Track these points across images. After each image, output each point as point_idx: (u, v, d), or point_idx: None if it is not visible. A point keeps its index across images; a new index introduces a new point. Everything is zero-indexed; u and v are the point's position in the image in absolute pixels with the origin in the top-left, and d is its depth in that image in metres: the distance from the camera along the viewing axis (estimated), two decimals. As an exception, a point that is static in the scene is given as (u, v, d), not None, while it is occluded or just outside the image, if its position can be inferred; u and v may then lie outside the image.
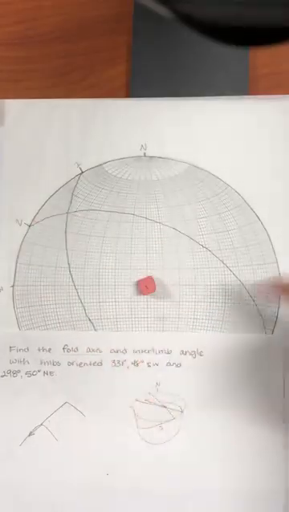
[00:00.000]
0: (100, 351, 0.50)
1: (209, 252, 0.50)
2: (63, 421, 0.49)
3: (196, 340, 0.49)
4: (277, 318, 0.49)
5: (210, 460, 0.48)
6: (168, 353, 0.49)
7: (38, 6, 0.55)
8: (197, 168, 0.51)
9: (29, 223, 0.51)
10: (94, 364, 0.49)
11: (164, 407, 0.49)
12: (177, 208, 0.51)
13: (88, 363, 0.49)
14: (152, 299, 0.50)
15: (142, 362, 0.49)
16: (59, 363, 0.50)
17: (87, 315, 0.50)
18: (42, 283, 0.51)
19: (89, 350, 0.50)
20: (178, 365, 0.49)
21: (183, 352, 0.49)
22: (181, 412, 0.49)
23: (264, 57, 0.53)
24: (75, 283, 0.50)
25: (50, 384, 0.49)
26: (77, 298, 0.50)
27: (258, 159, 0.51)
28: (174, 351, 0.49)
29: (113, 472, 0.48)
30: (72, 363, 0.50)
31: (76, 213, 0.51)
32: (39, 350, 0.50)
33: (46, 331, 0.50)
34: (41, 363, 0.50)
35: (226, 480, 0.48)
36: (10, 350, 0.50)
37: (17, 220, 0.52)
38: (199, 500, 0.47)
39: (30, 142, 0.52)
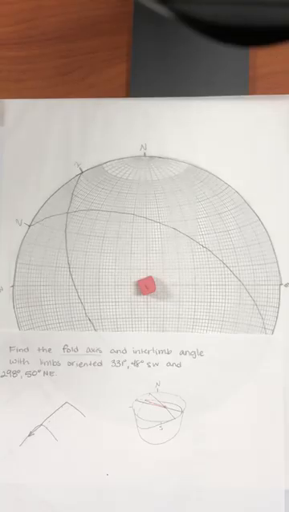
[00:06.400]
0: (100, 351, 0.50)
1: (209, 252, 0.50)
2: (63, 421, 0.49)
3: (196, 340, 0.49)
4: (277, 318, 0.49)
5: (210, 460, 0.48)
6: (168, 353, 0.49)
7: (38, 6, 0.55)
8: (197, 168, 0.51)
9: (29, 223, 0.51)
10: (94, 364, 0.49)
11: (164, 407, 0.49)
12: (177, 208, 0.51)
13: (88, 363, 0.49)
14: (152, 299, 0.50)
15: (142, 362, 0.49)
16: (58, 363, 0.50)
17: (87, 315, 0.50)
18: (42, 283, 0.51)
19: (89, 350, 0.50)
20: (178, 365, 0.49)
21: (183, 352, 0.49)
22: (181, 412, 0.49)
23: (264, 57, 0.53)
24: (75, 283, 0.50)
25: (50, 384, 0.49)
26: (77, 298, 0.50)
27: (258, 159, 0.51)
28: (174, 351, 0.49)
29: (113, 472, 0.48)
30: (72, 363, 0.50)
31: (76, 213, 0.51)
32: (39, 350, 0.50)
33: (46, 331, 0.50)
34: (41, 363, 0.50)
35: (226, 480, 0.48)
36: (10, 350, 0.50)
37: (17, 220, 0.52)
38: (199, 500, 0.47)
39: (30, 142, 0.52)
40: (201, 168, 0.51)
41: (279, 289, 0.49)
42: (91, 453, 0.49)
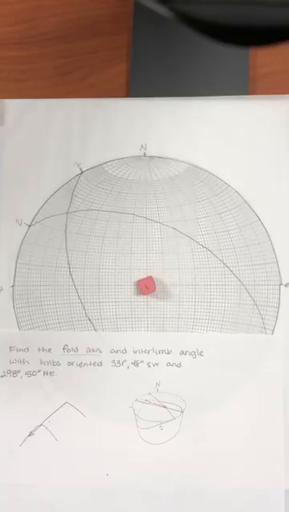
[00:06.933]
0: (100, 351, 0.50)
1: (209, 252, 0.50)
2: (63, 421, 0.49)
3: (196, 340, 0.49)
4: (277, 318, 0.49)
5: (210, 460, 0.48)
6: (168, 353, 0.49)
7: (38, 6, 0.55)
8: (197, 168, 0.51)
9: (29, 223, 0.51)
10: (94, 364, 0.49)
11: (164, 407, 0.49)
12: (177, 208, 0.51)
13: (88, 363, 0.49)
14: (152, 299, 0.50)
15: (142, 362, 0.49)
16: (58, 363, 0.50)
17: (87, 315, 0.50)
18: (42, 283, 0.51)
19: (89, 350, 0.50)
20: (178, 365, 0.49)
21: (183, 352, 0.49)
22: (181, 412, 0.49)
23: (264, 57, 0.53)
24: (75, 283, 0.50)
25: (50, 384, 0.49)
26: (77, 298, 0.50)
27: (258, 159, 0.51)
28: (174, 351, 0.49)
29: (113, 472, 0.48)
30: (72, 363, 0.50)
31: (76, 213, 0.51)
32: (39, 350, 0.50)
33: (46, 331, 0.50)
34: (41, 363, 0.50)
35: (226, 480, 0.48)
36: (10, 350, 0.50)
37: (17, 220, 0.52)
38: (199, 500, 0.47)
39: (30, 142, 0.52)
40: (201, 168, 0.51)
41: (279, 289, 0.49)
42: (91, 453, 0.49)
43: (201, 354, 0.49)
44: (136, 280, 0.50)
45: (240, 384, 0.48)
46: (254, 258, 0.50)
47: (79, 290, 0.50)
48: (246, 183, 0.51)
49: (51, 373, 0.50)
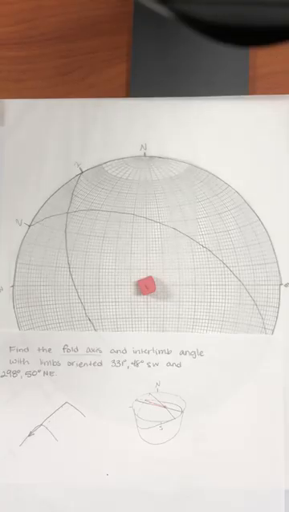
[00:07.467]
0: (100, 351, 0.50)
1: (209, 252, 0.50)
2: (63, 421, 0.49)
3: (196, 340, 0.49)
4: (277, 318, 0.49)
5: (210, 460, 0.48)
6: (168, 353, 0.49)
7: (38, 6, 0.55)
8: (197, 168, 0.51)
9: (29, 223, 0.51)
10: (94, 364, 0.49)
11: (164, 407, 0.49)
12: (177, 208, 0.51)
13: (88, 363, 0.49)
14: (152, 299, 0.50)
15: (142, 362, 0.49)
16: (58, 363, 0.50)
17: (87, 315, 0.50)
18: (42, 283, 0.51)
19: (89, 350, 0.50)
20: (178, 365, 0.49)
21: (183, 352, 0.49)
22: (181, 412, 0.49)
23: (264, 57, 0.53)
24: (75, 283, 0.50)
25: (50, 384, 0.49)
26: (77, 298, 0.50)
27: (258, 159, 0.51)
28: (174, 351, 0.49)
29: (113, 472, 0.48)
30: (72, 363, 0.50)
31: (76, 213, 0.51)
32: (39, 350, 0.50)
33: (46, 331, 0.50)
34: (41, 363, 0.50)
35: (226, 480, 0.48)
36: (10, 350, 0.50)
37: (17, 220, 0.52)
38: (199, 500, 0.47)
39: (30, 142, 0.52)
40: (201, 168, 0.51)
41: (279, 289, 0.49)
42: (91, 453, 0.49)
43: (201, 354, 0.49)
44: (136, 280, 0.50)
45: (240, 384, 0.48)
46: (254, 258, 0.50)
47: (79, 290, 0.50)
48: (246, 183, 0.51)
49: (51, 373, 0.50)
